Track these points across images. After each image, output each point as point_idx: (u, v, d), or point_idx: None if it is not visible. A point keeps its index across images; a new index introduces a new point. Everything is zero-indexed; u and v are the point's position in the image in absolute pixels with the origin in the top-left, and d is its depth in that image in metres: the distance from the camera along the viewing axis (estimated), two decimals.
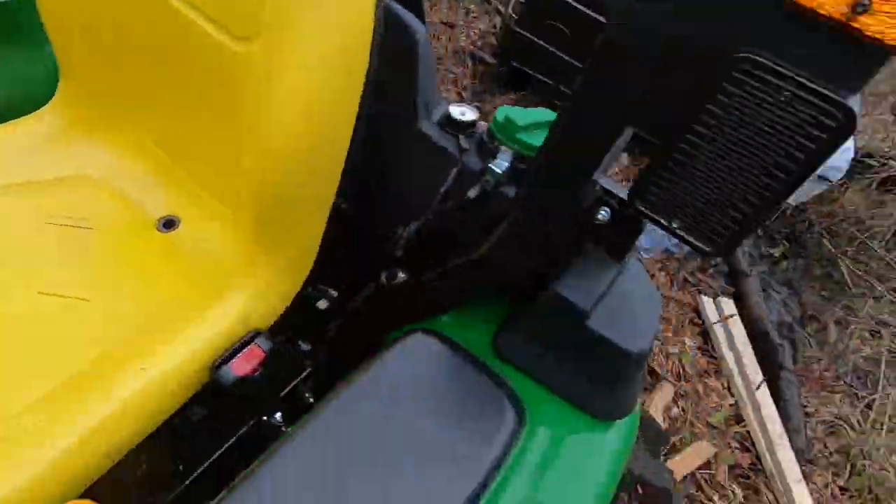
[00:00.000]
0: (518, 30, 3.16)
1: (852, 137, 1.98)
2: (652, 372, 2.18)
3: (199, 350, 0.57)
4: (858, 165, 4.08)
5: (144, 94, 0.68)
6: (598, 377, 0.55)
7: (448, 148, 0.62)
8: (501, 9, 3.16)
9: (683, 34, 0.38)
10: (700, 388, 2.30)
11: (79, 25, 0.65)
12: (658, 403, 2.02)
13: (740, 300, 2.89)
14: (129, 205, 0.68)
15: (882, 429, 2.45)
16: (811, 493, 2.14)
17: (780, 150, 0.38)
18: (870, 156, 4.06)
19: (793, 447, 2.12)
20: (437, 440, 0.47)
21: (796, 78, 0.36)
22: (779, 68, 0.37)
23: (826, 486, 2.22)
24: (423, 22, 0.63)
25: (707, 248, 0.45)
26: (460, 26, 3.90)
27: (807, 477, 2.18)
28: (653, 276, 2.68)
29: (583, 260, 0.54)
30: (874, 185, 3.89)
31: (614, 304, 0.55)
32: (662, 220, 0.47)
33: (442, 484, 0.44)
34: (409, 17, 0.62)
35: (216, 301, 0.60)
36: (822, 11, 0.35)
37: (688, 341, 2.46)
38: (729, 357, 2.39)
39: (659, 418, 1.98)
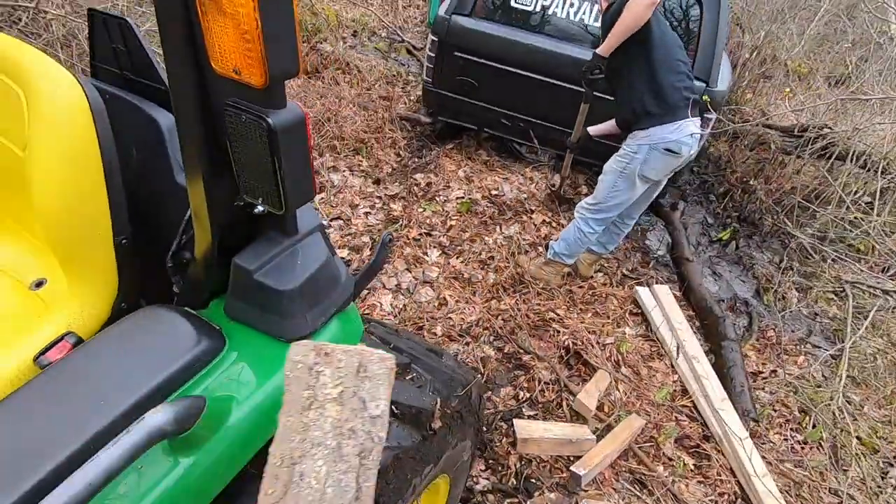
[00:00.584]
0: (436, 90, 3.56)
1: (693, 119, 2.17)
2: (587, 363, 2.30)
3: (26, 351, 0.82)
4: (795, 139, 4.26)
5: None
6: (271, 311, 0.79)
7: None
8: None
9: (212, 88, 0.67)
10: (644, 371, 2.39)
11: None
12: (591, 389, 2.14)
13: (685, 285, 3.02)
14: None
15: (842, 380, 2.47)
16: (769, 452, 2.18)
17: (259, 145, 0.66)
18: (805, 129, 4.22)
19: (737, 410, 2.19)
20: (134, 366, 0.70)
21: (239, 108, 0.65)
22: (235, 106, 0.65)
23: (785, 440, 2.25)
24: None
25: (280, 211, 0.72)
26: (397, 97, 4.33)
27: (760, 436, 2.22)
28: (591, 278, 2.84)
29: (263, 238, 0.81)
30: (813, 155, 4.02)
31: (281, 263, 0.80)
32: (255, 202, 0.73)
33: (124, 392, 0.66)
34: (153, 108, 0.93)
35: (46, 320, 0.88)
36: (222, 73, 0.63)
37: (628, 331, 2.58)
38: (668, 337, 2.50)
39: (592, 403, 2.08)
